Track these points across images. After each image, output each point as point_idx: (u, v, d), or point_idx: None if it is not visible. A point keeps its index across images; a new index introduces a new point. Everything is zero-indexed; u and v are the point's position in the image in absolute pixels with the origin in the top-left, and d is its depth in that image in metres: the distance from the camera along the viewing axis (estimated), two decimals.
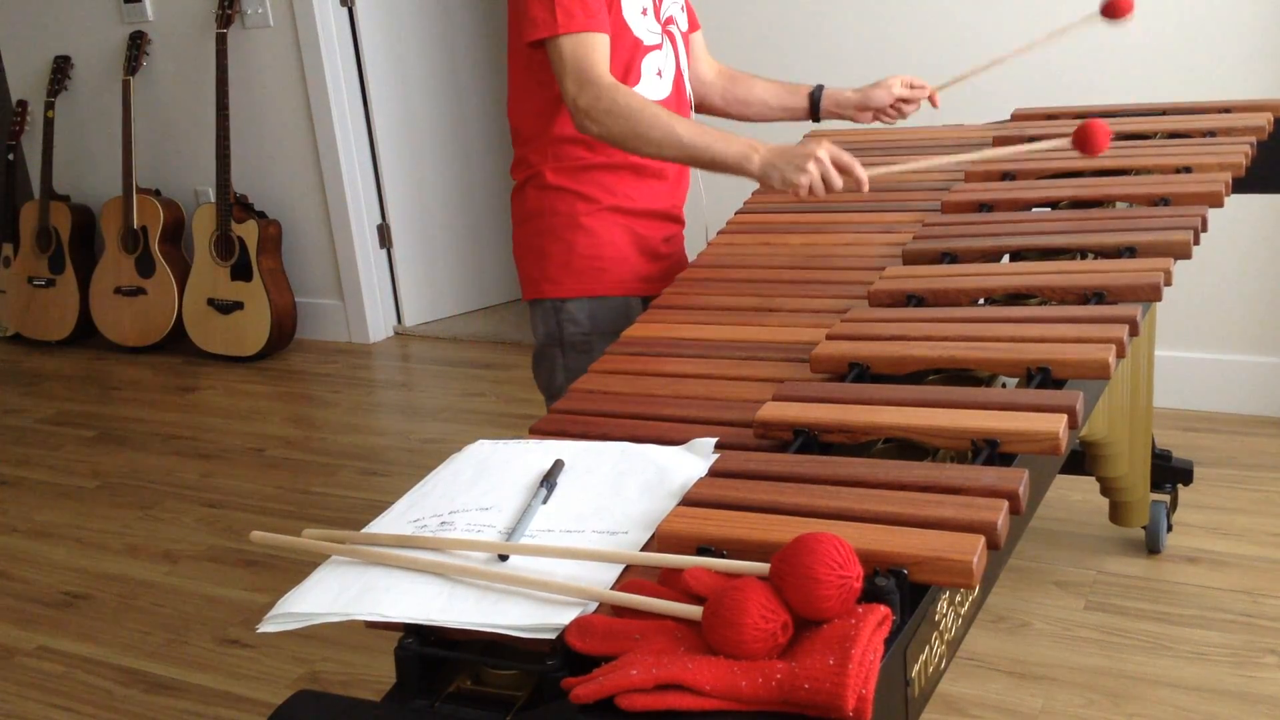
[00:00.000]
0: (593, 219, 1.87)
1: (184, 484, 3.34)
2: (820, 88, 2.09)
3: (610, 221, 1.88)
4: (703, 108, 2.12)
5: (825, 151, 1.65)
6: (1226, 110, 2.15)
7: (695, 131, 1.70)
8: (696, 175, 2.05)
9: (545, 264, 1.90)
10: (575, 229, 1.87)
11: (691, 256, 2.00)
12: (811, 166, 1.64)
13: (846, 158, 1.66)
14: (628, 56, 1.82)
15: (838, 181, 1.65)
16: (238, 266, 4.25)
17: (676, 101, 1.91)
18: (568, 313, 1.89)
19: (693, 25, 2.04)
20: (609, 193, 1.87)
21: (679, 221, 2.00)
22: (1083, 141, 1.74)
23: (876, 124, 2.15)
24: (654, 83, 1.86)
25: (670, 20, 1.90)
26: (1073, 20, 2.03)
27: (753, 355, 1.49)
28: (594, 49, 1.71)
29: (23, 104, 4.78)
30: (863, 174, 1.67)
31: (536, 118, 1.86)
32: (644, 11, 1.84)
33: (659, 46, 1.87)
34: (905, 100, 2.08)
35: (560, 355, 1.91)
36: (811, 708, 0.84)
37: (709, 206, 2.10)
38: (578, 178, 1.86)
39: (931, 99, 2.10)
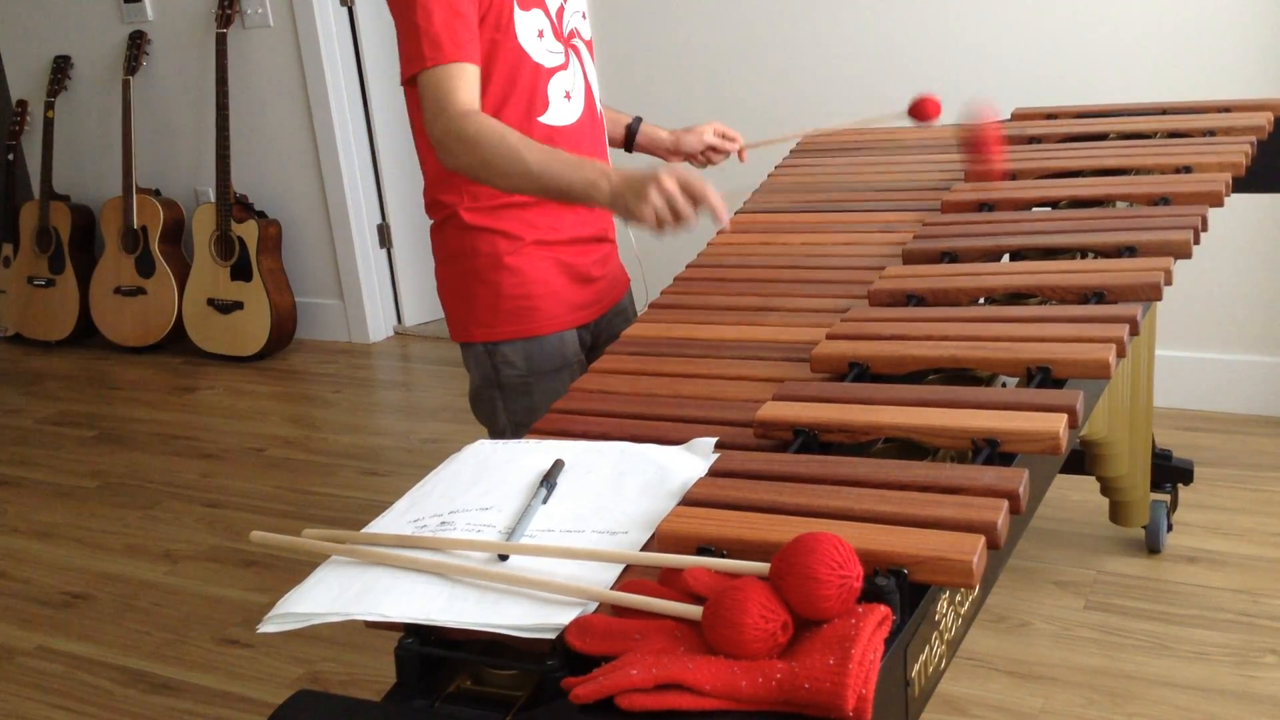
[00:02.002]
0: (517, 257, 1.78)
1: (184, 484, 3.34)
2: (638, 120, 2.05)
3: (536, 256, 1.79)
4: None
5: (671, 179, 1.49)
6: (1226, 110, 2.15)
7: (544, 160, 1.58)
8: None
9: (473, 307, 1.82)
10: (500, 269, 1.78)
11: (634, 276, 1.98)
12: (654, 195, 1.48)
13: (698, 184, 1.49)
14: (530, 84, 1.73)
15: (686, 210, 1.49)
16: (238, 266, 4.25)
17: (589, 121, 1.82)
18: (502, 355, 1.81)
19: None
20: (531, 227, 1.78)
21: (610, 241, 1.92)
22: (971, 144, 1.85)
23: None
24: (563, 106, 1.77)
25: (573, 34, 1.81)
26: (883, 114, 2.07)
27: (753, 355, 1.49)
28: (455, 79, 1.62)
29: (23, 104, 4.78)
30: (718, 201, 1.51)
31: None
32: (540, 34, 1.74)
33: (564, 66, 1.78)
34: (714, 149, 2.07)
35: (499, 398, 1.84)
36: (811, 707, 0.84)
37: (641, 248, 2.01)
38: (497, 216, 1.77)
39: (740, 154, 2.09)
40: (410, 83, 1.68)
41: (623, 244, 1.97)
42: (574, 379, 1.51)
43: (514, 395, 1.83)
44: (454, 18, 1.63)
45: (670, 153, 2.08)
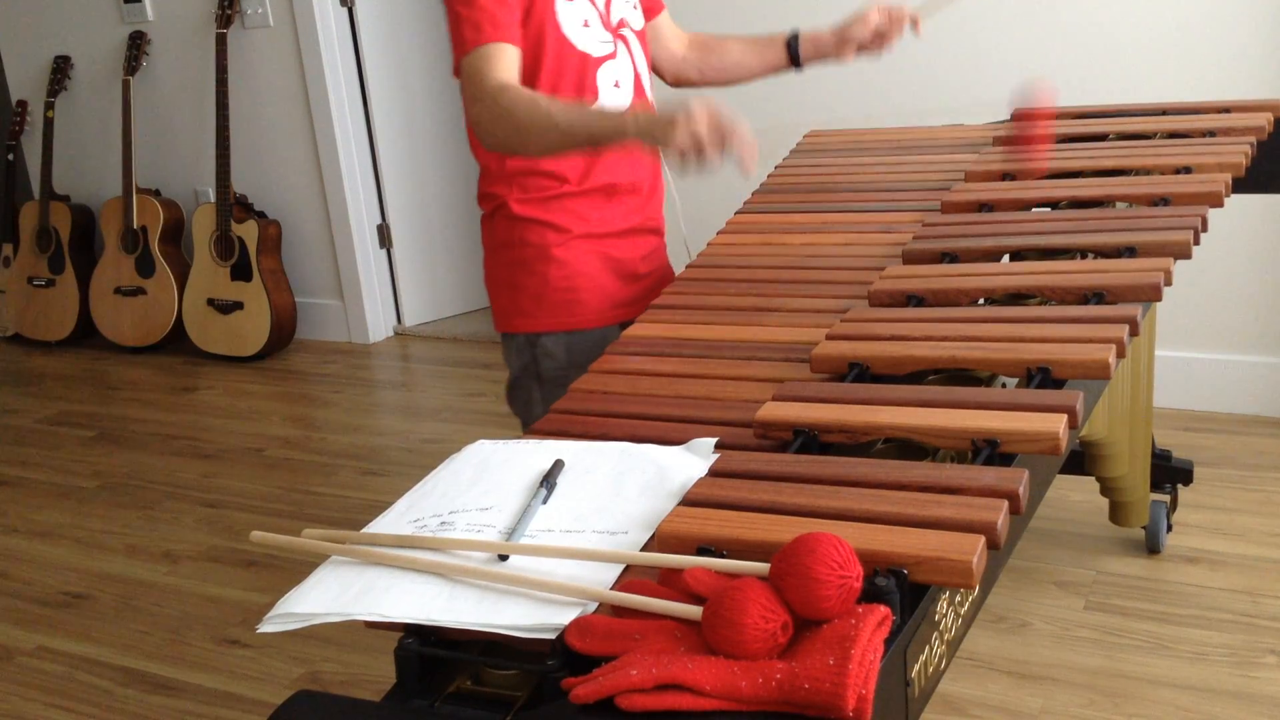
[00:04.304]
0: (565, 249, 1.80)
1: (184, 484, 3.34)
2: (795, 34, 1.98)
3: (584, 250, 1.81)
4: (681, 84, 2.05)
5: (701, 109, 1.42)
6: (1226, 110, 2.15)
7: (572, 114, 1.58)
8: (670, 186, 1.99)
9: (517, 296, 1.83)
10: (547, 261, 1.80)
11: (678, 269, 1.96)
12: (681, 123, 1.42)
13: (727, 120, 1.41)
14: (578, 73, 1.75)
15: (711, 145, 1.42)
16: (238, 266, 4.25)
17: (640, 108, 1.81)
18: (543, 347, 1.83)
19: (654, 10, 1.95)
20: (581, 220, 1.80)
21: (657, 233, 1.93)
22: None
23: (872, 121, 2.12)
24: (612, 94, 1.79)
25: (622, 24, 1.82)
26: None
27: (753, 355, 1.49)
28: (491, 59, 1.62)
29: (23, 104, 4.78)
30: (746, 135, 1.42)
31: (493, 152, 1.78)
32: (585, 24, 1.76)
33: (612, 55, 1.79)
34: (883, 34, 1.95)
35: (537, 389, 1.85)
36: (811, 708, 0.84)
37: (686, 218, 2.03)
38: (547, 207, 1.79)
39: (915, 24, 1.95)
40: (459, 72, 1.68)
41: (667, 195, 1.98)
42: None
43: (551, 387, 1.83)
44: (494, 2, 1.64)
45: (839, 46, 1.96)
